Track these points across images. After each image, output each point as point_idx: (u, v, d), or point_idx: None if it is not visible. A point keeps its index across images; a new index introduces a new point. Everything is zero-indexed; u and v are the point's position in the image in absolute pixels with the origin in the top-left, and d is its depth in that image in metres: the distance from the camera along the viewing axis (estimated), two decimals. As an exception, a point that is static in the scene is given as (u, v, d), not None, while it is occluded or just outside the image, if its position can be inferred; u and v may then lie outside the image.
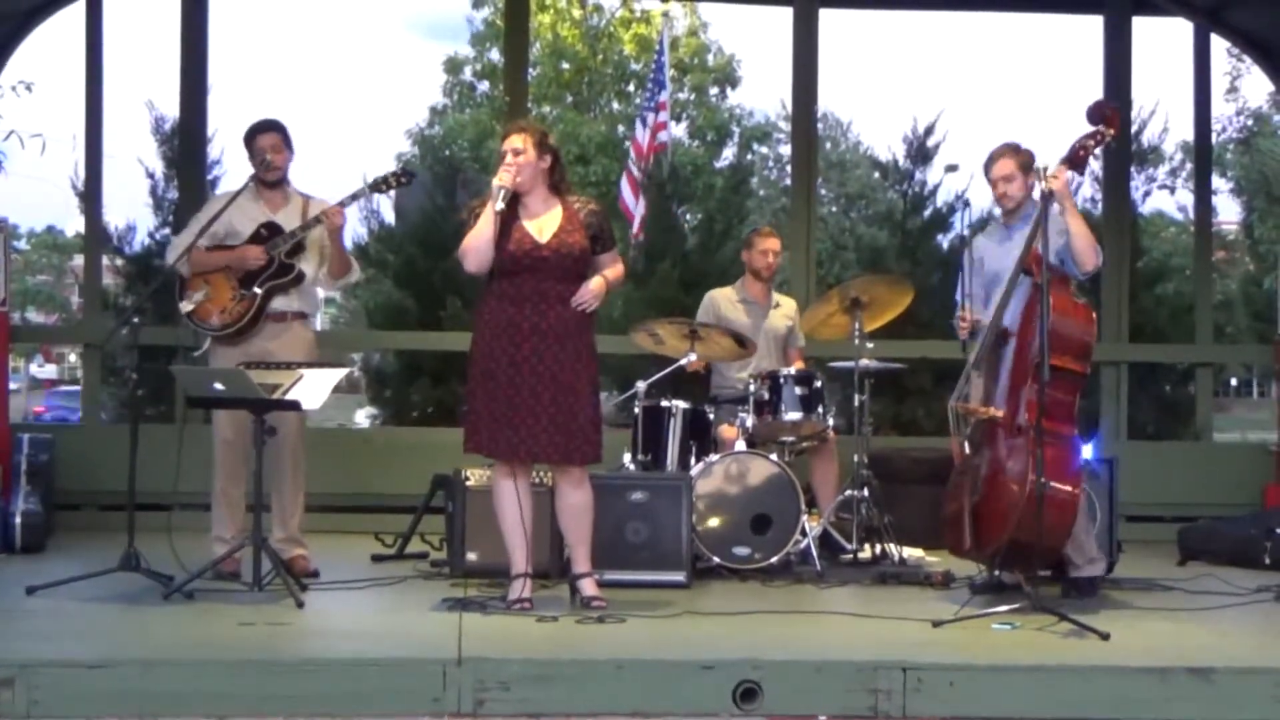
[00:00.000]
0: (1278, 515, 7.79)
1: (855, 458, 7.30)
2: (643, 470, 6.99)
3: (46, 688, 4.50)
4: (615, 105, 30.45)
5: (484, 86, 30.14)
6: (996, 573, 6.21)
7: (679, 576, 6.48)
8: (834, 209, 28.35)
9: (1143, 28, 9.74)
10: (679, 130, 27.99)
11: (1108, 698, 4.73)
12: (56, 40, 9.79)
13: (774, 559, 6.87)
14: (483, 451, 5.81)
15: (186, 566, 5.95)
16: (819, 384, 7.31)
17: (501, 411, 5.70)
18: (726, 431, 7.36)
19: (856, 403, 7.33)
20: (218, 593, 5.96)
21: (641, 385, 7.16)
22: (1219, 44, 10.11)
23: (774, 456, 7.08)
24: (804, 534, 6.95)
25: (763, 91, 66.84)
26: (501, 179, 5.75)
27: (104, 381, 9.78)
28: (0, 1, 8.86)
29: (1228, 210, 26.60)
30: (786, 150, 24.30)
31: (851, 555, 7.24)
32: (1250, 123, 24.75)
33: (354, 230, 11.07)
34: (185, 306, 6.58)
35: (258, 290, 6.57)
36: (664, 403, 7.17)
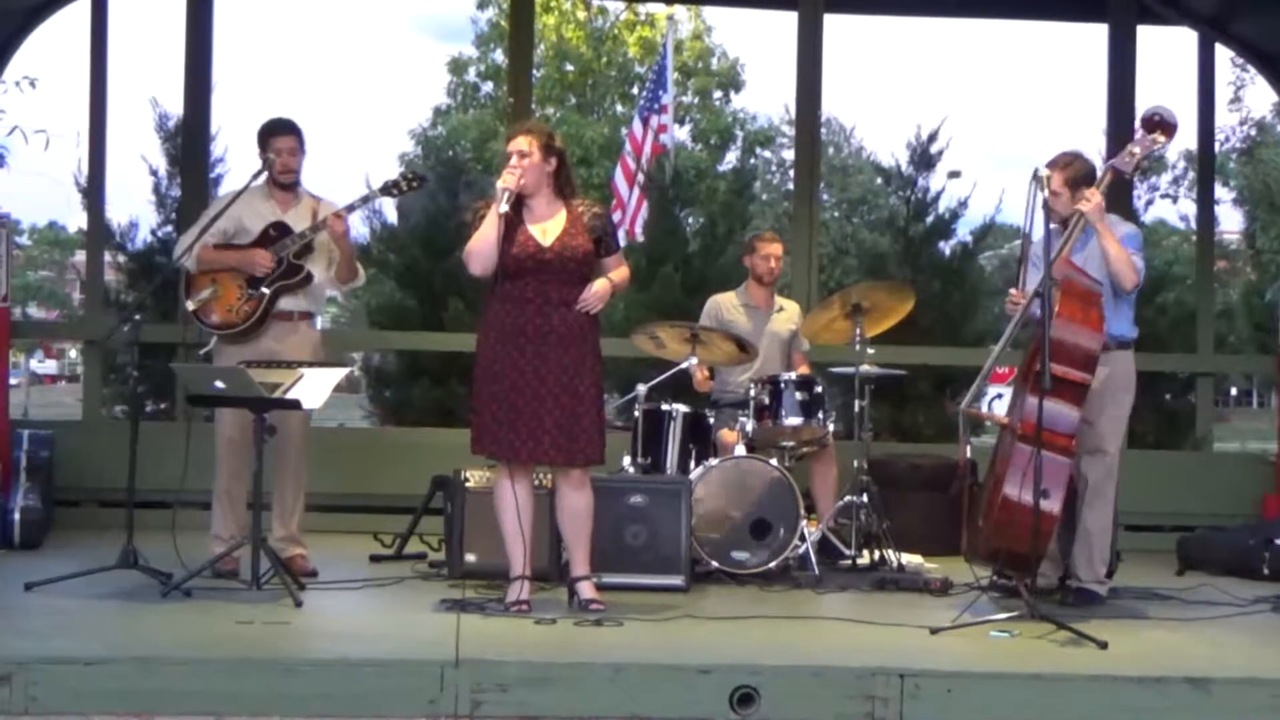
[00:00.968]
0: (1276, 526, 7.78)
1: (855, 463, 7.30)
2: (642, 473, 6.98)
3: (44, 685, 4.50)
4: (619, 108, 30.46)
5: (488, 87, 30.18)
6: (996, 578, 6.22)
7: (677, 580, 6.48)
8: (836, 214, 28.35)
9: (1147, 36, 9.78)
10: (682, 134, 28.00)
11: (1105, 707, 4.74)
12: (61, 36, 9.80)
13: (773, 564, 6.86)
14: (489, 453, 5.81)
15: (188, 565, 5.95)
16: (819, 389, 7.31)
17: (506, 414, 5.70)
18: (726, 436, 7.36)
19: (857, 408, 7.33)
20: (216, 591, 5.95)
21: (642, 388, 7.16)
22: (1223, 54, 10.12)
23: (774, 461, 7.08)
24: (803, 539, 6.94)
25: (766, 96, 66.94)
26: (506, 181, 5.74)
27: (105, 378, 9.77)
28: (5, -2, 8.87)
29: (1230, 220, 26.60)
30: (789, 155, 24.24)
31: (850, 561, 7.24)
32: (1253, 133, 24.76)
33: (356, 230, 11.03)
34: (191, 304, 6.58)
35: (265, 291, 6.57)
36: (664, 406, 7.17)
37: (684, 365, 7.21)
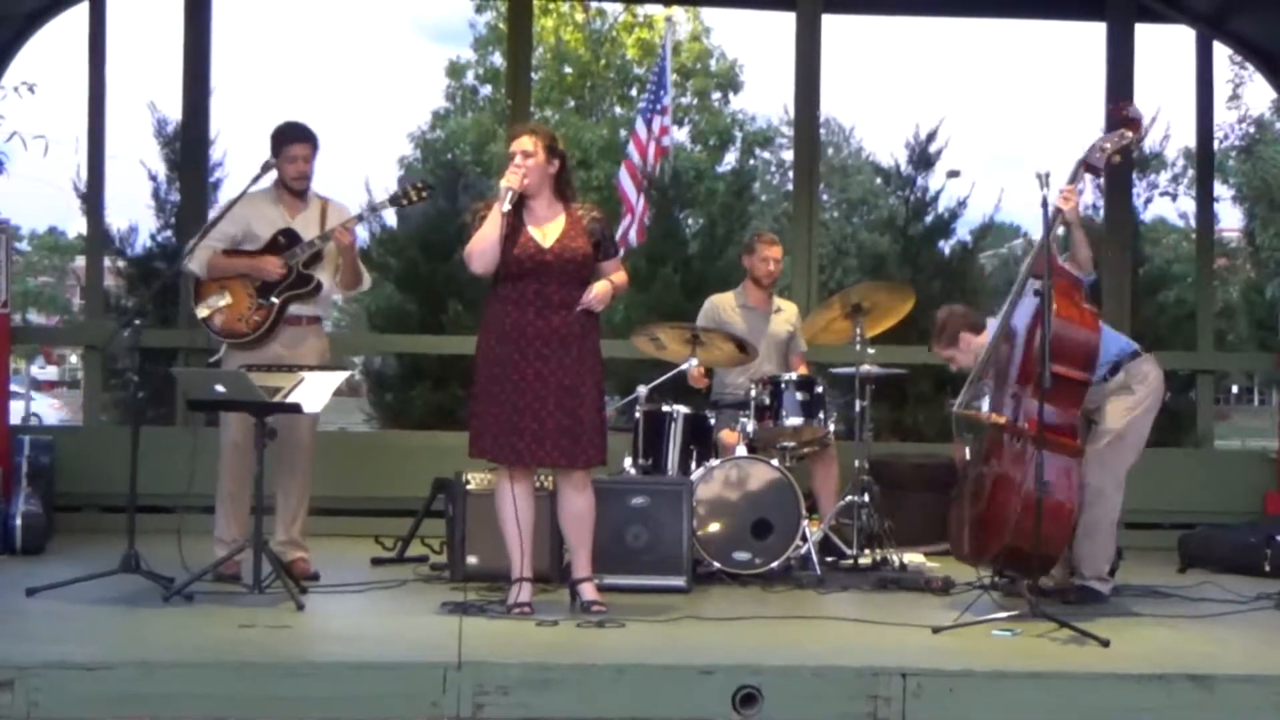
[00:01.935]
0: (1278, 523, 7.79)
1: (856, 463, 7.30)
2: (643, 475, 6.98)
3: (46, 690, 4.50)
4: (618, 109, 30.48)
5: (486, 90, 30.20)
6: (998, 578, 6.21)
7: (679, 581, 6.48)
8: (836, 214, 28.37)
9: (1145, 35, 9.77)
10: (681, 135, 28.01)
11: (1108, 705, 4.73)
12: (59, 42, 9.82)
13: (774, 564, 6.86)
14: (487, 456, 5.80)
15: (192, 569, 5.95)
16: (820, 389, 7.31)
17: (507, 416, 5.70)
18: (727, 436, 7.36)
19: (857, 408, 7.34)
20: (217, 595, 5.96)
21: (642, 390, 7.16)
22: (1221, 51, 10.12)
23: (775, 461, 7.08)
24: (804, 539, 6.94)
25: (765, 97, 67.02)
26: (509, 180, 5.73)
27: (105, 384, 9.77)
28: (4, 3, 8.87)
29: (1229, 217, 26.59)
30: (789, 155, 24.26)
31: (852, 561, 7.24)
32: (1252, 130, 24.74)
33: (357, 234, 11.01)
34: (201, 312, 6.59)
35: (275, 300, 6.57)
36: (665, 407, 7.17)
37: (684, 367, 7.21)
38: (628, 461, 7.10)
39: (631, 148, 13.27)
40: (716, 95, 31.54)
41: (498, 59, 28.45)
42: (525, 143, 5.82)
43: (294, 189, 6.70)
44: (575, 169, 25.15)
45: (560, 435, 5.71)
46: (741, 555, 6.87)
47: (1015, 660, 5.03)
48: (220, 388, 6.05)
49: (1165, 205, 28.35)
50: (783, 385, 7.26)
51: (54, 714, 4.49)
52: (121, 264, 10.66)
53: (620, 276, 5.99)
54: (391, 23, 68.05)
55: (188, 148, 9.62)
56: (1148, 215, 13.04)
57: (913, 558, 7.36)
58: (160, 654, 4.85)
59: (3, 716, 4.45)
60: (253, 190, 6.66)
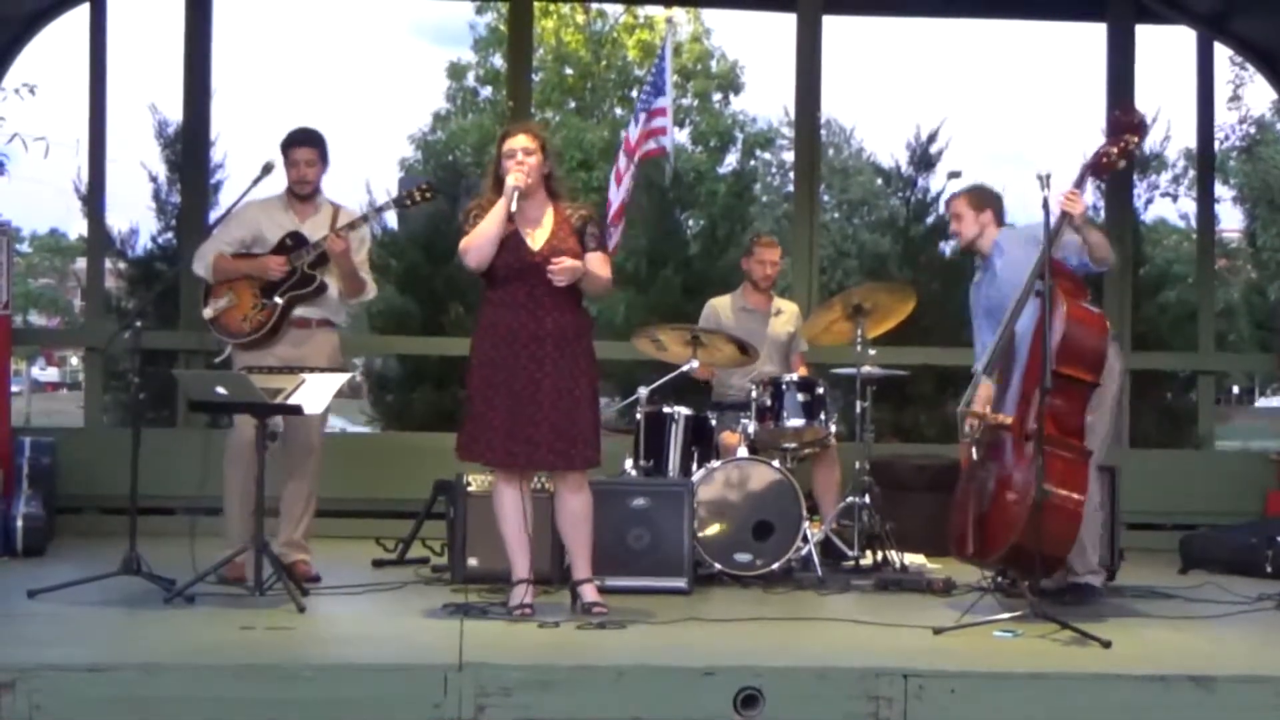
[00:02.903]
0: (1279, 524, 7.78)
1: (857, 464, 7.30)
2: (644, 476, 6.98)
3: (47, 692, 4.49)
4: (618, 111, 30.41)
5: (487, 92, 30.15)
6: (1000, 579, 6.21)
7: (680, 583, 6.48)
8: (836, 215, 28.31)
9: (1146, 35, 9.79)
10: (681, 136, 27.99)
11: (1109, 706, 4.73)
12: (60, 44, 9.82)
13: (775, 565, 6.86)
14: (479, 459, 5.79)
15: (191, 570, 5.95)
16: (821, 390, 7.31)
17: (501, 419, 5.69)
18: (728, 438, 7.35)
19: (858, 409, 7.33)
20: (219, 597, 5.95)
21: (643, 391, 7.16)
22: (1222, 52, 10.12)
23: (776, 463, 7.08)
24: (805, 540, 6.94)
25: (766, 98, 66.91)
26: (515, 179, 5.69)
27: (106, 385, 9.77)
28: (4, 5, 8.87)
29: (1230, 218, 26.54)
30: (789, 156, 24.21)
31: (853, 562, 7.24)
32: (1253, 131, 24.70)
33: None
34: (207, 313, 6.63)
35: (279, 300, 6.58)
36: (666, 409, 7.16)
37: (685, 368, 7.21)
38: (629, 463, 7.10)
39: (620, 150, 13.16)
40: (717, 96, 31.47)
41: (498, 60, 28.40)
42: (525, 140, 5.80)
43: (299, 194, 6.71)
44: (576, 170, 25.18)
45: (556, 438, 5.69)
46: (743, 557, 6.87)
47: (1017, 661, 5.03)
48: (221, 389, 6.06)
49: (1166, 206, 28.31)
50: (784, 386, 7.26)
51: (55, 716, 4.49)
52: (122, 266, 10.69)
53: (601, 269, 5.83)
54: (392, 25, 68.07)
55: (188, 149, 9.63)
56: (1148, 216, 13.06)
57: (914, 559, 7.35)
58: (161, 656, 4.85)
59: (4, 718, 4.45)
60: (264, 196, 6.69)
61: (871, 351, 7.38)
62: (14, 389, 10.86)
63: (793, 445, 7.30)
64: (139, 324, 6.39)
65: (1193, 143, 11.02)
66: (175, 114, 9.91)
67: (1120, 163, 6.14)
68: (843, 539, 7.36)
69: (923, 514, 7.75)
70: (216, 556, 6.23)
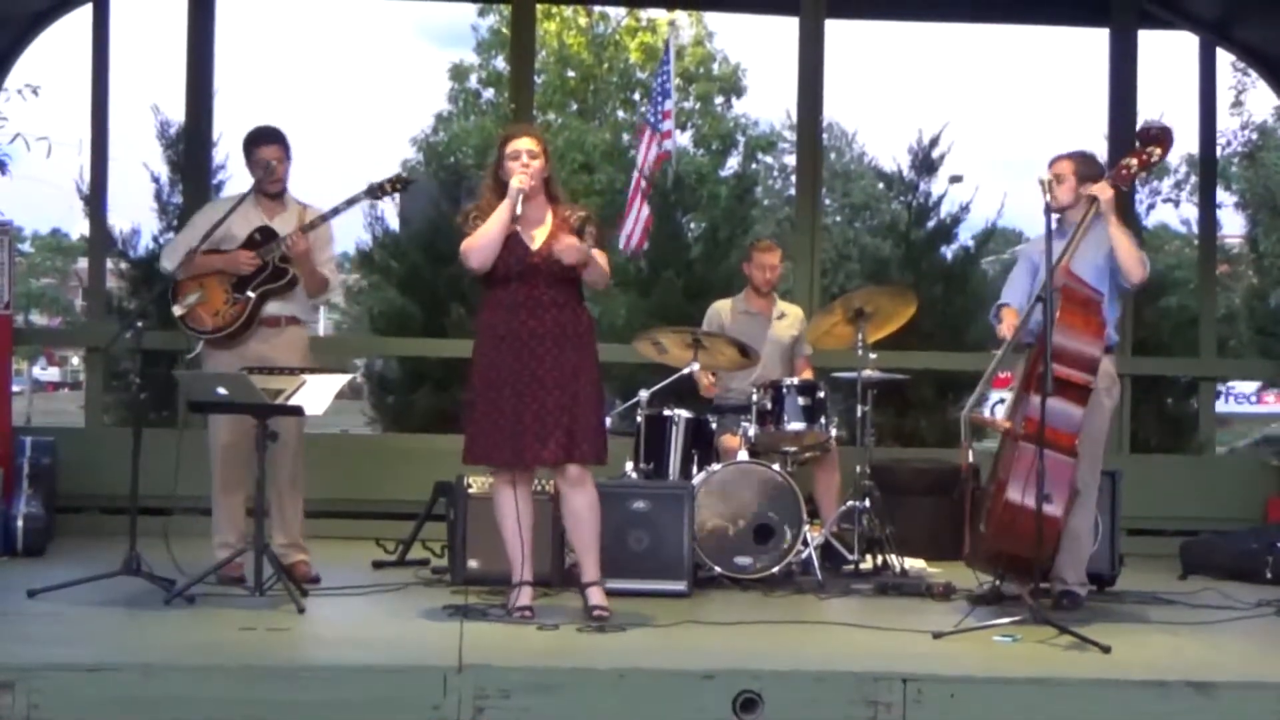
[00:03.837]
0: (1279, 530, 7.78)
1: (857, 468, 7.30)
2: (645, 479, 6.99)
3: (46, 692, 4.50)
4: (621, 113, 30.45)
5: (489, 94, 30.15)
6: (998, 583, 6.21)
7: (680, 586, 6.48)
8: (838, 219, 28.33)
9: (1148, 41, 9.77)
10: (683, 139, 27.98)
11: (1108, 711, 4.74)
12: (63, 44, 9.80)
13: (775, 569, 6.86)
14: (484, 462, 5.79)
15: (185, 571, 5.96)
16: (822, 394, 7.32)
17: (505, 420, 5.69)
18: (729, 441, 7.36)
19: (859, 413, 7.33)
20: (219, 597, 5.96)
21: (644, 394, 7.16)
22: (1224, 58, 10.12)
23: (776, 466, 7.08)
24: (805, 544, 6.94)
25: (768, 101, 66.97)
26: (519, 181, 5.70)
27: (107, 385, 9.77)
28: (6, 5, 8.87)
29: (1232, 224, 26.52)
30: (791, 160, 24.18)
31: (853, 566, 7.23)
32: (1255, 136, 24.68)
33: (357, 236, 11.06)
34: (178, 310, 6.59)
35: (251, 294, 6.58)
36: (666, 412, 7.17)
37: (686, 371, 7.21)
38: (629, 466, 7.11)
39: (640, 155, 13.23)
40: (719, 100, 31.49)
41: (501, 63, 28.40)
42: (529, 143, 5.80)
43: (269, 192, 6.72)
44: (578, 173, 25.14)
45: (560, 433, 5.69)
46: (743, 560, 6.87)
47: (1016, 666, 5.04)
48: (222, 390, 6.06)
49: (1168, 211, 28.29)
50: (784, 390, 7.26)
51: (55, 716, 4.50)
52: (124, 266, 10.65)
53: (601, 258, 5.83)
54: (395, 26, 68.06)
55: (190, 150, 9.62)
56: (1150, 221, 13.07)
57: (914, 563, 7.35)
58: (161, 656, 4.86)
59: (3, 718, 4.45)
60: (232, 195, 6.71)
61: (872, 355, 7.38)
62: (15, 389, 10.85)
63: (793, 449, 7.30)
64: (140, 324, 6.42)
65: (1195, 148, 11.04)
66: (177, 114, 9.89)
67: (1140, 174, 6.22)
68: (843, 543, 7.36)
69: (923, 518, 7.77)
70: (210, 557, 6.25)
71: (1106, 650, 5.24)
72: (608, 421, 6.12)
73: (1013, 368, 6.51)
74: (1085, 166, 6.43)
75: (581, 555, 5.87)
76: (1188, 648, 5.61)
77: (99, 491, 8.07)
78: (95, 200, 9.25)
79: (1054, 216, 6.25)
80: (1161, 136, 6.22)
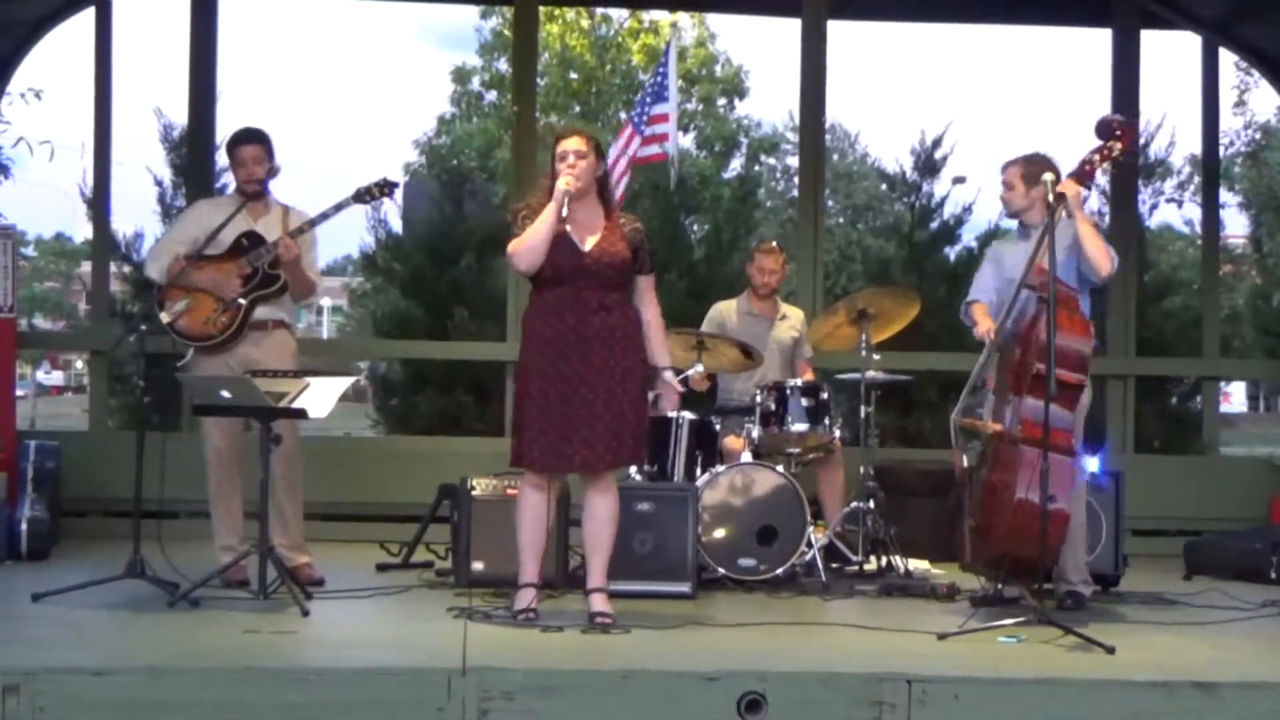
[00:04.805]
0: (1284, 530, 7.78)
1: (861, 470, 7.30)
2: (649, 481, 6.98)
3: (51, 695, 4.50)
4: (623, 115, 30.42)
5: (492, 96, 30.16)
6: (999, 586, 6.21)
7: (684, 587, 6.48)
8: (841, 220, 28.31)
9: (1151, 41, 9.76)
10: (686, 141, 27.98)
11: (1113, 711, 4.73)
12: (65, 48, 9.80)
13: (779, 570, 6.86)
14: (535, 467, 5.72)
15: (184, 574, 5.95)
16: (825, 395, 7.31)
17: (556, 425, 5.64)
18: (732, 443, 7.36)
19: (863, 414, 7.33)
20: (223, 600, 5.96)
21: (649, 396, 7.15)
22: (1227, 58, 10.12)
23: (780, 468, 7.08)
24: (809, 545, 6.94)
25: (771, 103, 66.98)
26: (566, 182, 5.63)
27: (110, 389, 9.77)
28: (9, 9, 8.88)
29: (1235, 224, 26.53)
30: (794, 161, 24.23)
31: (857, 567, 7.24)
32: (1258, 136, 24.69)
33: (360, 239, 11.05)
34: (165, 317, 6.55)
35: (242, 301, 6.57)
36: (670, 413, 7.16)
37: (690, 373, 7.21)
38: (633, 468, 7.10)
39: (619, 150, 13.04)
40: (722, 101, 31.48)
41: (503, 65, 28.42)
42: (577, 143, 5.72)
43: (248, 193, 6.70)
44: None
45: (610, 437, 5.66)
46: (747, 561, 6.87)
47: (1021, 667, 5.03)
48: (226, 393, 6.06)
49: (1171, 212, 28.32)
50: (788, 391, 7.26)
51: (59, 719, 4.49)
52: (127, 269, 10.68)
53: (649, 288, 5.87)
54: (398, 29, 68.18)
55: (193, 153, 9.62)
56: (1153, 222, 13.01)
57: (918, 564, 7.35)
58: (166, 659, 4.86)
59: (8, 722, 4.47)
60: (217, 197, 6.70)
61: (876, 356, 7.38)
62: (19, 392, 10.87)
63: (797, 450, 7.30)
64: (144, 328, 6.41)
65: (1198, 148, 11.02)
66: (180, 118, 9.92)
67: (1104, 166, 6.15)
68: (847, 544, 7.36)
69: (927, 519, 7.76)
70: (212, 559, 6.25)
71: (1111, 651, 5.24)
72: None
73: (990, 369, 6.48)
74: (1029, 167, 6.40)
75: (591, 558, 5.85)
76: (1192, 648, 5.60)
77: (103, 495, 8.09)
78: (98, 204, 9.26)
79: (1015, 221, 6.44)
80: (1123, 129, 6.17)
